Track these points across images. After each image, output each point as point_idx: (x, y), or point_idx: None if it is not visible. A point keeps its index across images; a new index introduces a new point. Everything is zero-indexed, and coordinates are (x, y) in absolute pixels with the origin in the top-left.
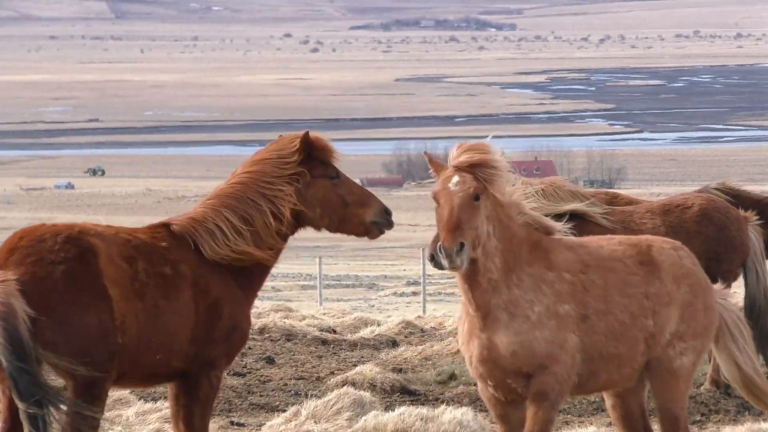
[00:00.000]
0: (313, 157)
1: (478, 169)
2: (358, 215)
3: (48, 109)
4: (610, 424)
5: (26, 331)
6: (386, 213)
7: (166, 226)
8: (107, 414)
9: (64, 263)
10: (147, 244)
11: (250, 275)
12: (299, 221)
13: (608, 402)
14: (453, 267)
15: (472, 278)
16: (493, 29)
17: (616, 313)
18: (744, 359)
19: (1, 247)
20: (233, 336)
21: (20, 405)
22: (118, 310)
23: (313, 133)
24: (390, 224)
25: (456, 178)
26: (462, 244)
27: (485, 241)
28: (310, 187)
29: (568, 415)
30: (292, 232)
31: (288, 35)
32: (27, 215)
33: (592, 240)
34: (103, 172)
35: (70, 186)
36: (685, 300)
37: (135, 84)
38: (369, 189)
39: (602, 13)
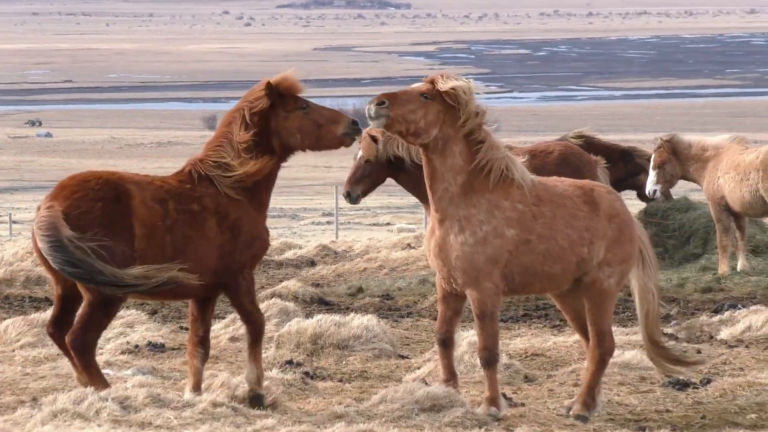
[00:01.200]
0: (282, 95)
1: (445, 84)
2: (331, 132)
3: (31, 72)
4: (536, 328)
5: (69, 243)
6: (353, 124)
7: (188, 171)
8: None
9: (102, 201)
10: (176, 188)
11: (258, 192)
12: (286, 149)
13: (559, 305)
14: (370, 118)
15: (431, 179)
16: (393, 8)
17: (557, 240)
18: (651, 287)
19: (52, 191)
20: (255, 244)
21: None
22: (138, 245)
23: (276, 78)
24: (358, 131)
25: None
26: (384, 102)
27: (445, 154)
28: (287, 120)
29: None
30: (284, 158)
31: (226, 12)
32: (14, 158)
33: (549, 180)
34: (41, 123)
35: (48, 135)
36: (613, 235)
37: (102, 52)
38: None
39: None
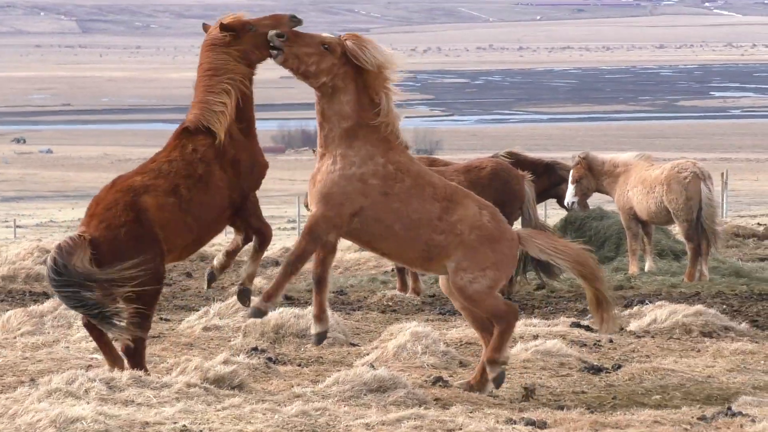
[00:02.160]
0: (232, 27)
1: (352, 42)
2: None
3: (34, 96)
4: (427, 320)
5: (77, 268)
6: (292, 18)
7: (185, 129)
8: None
9: (125, 226)
10: (179, 161)
11: (243, 116)
12: (252, 64)
13: (456, 305)
14: (269, 45)
15: (321, 118)
16: None
17: (410, 210)
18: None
19: (86, 211)
20: (255, 168)
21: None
22: (165, 242)
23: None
24: (299, 21)
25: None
26: (282, 35)
27: (333, 101)
28: (242, 43)
29: (397, 313)
30: (253, 72)
31: None
32: (19, 171)
33: (428, 169)
34: (25, 141)
35: (49, 151)
36: (472, 245)
37: (96, 79)
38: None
39: (426, 32)
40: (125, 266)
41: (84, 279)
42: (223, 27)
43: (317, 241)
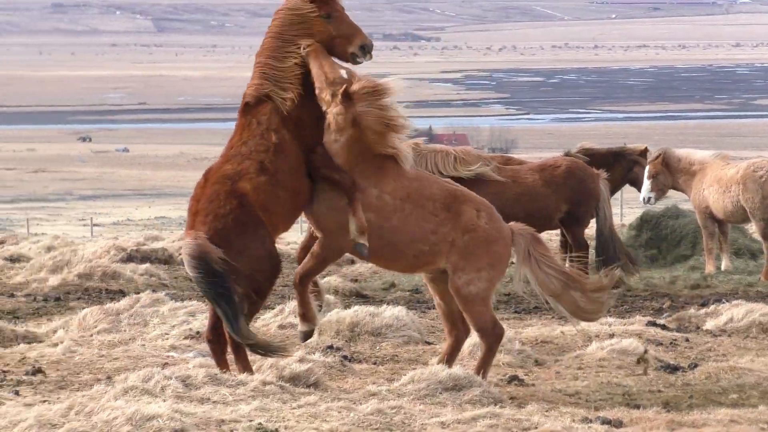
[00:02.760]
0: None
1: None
2: (342, 46)
3: (110, 95)
4: (503, 318)
5: (220, 267)
6: (362, 48)
7: (246, 104)
8: (147, 310)
9: (232, 213)
10: (253, 139)
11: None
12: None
13: (435, 301)
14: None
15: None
16: (424, 41)
17: (404, 232)
18: (544, 277)
19: (188, 212)
20: (319, 122)
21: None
22: (269, 222)
23: None
24: (365, 55)
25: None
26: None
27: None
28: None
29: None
30: None
31: None
32: (97, 170)
33: (430, 179)
34: (91, 139)
35: (125, 150)
36: (467, 247)
37: (171, 78)
38: None
39: (501, 30)
40: (250, 254)
41: (229, 274)
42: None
43: (324, 264)
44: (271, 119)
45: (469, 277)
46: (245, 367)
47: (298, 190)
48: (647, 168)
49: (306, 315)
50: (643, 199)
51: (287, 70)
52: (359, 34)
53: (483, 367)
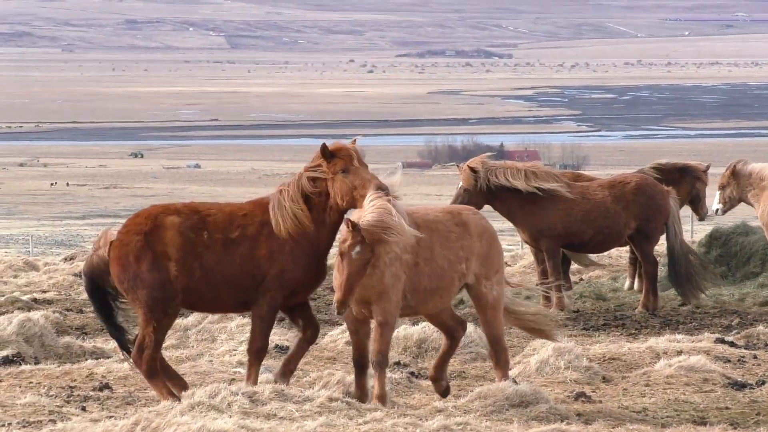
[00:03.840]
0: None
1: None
2: (361, 194)
3: (183, 111)
4: (570, 335)
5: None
6: (378, 189)
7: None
8: (215, 326)
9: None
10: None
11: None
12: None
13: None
14: None
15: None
16: (497, 57)
17: (437, 260)
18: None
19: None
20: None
21: None
22: None
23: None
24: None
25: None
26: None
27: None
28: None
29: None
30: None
31: (352, 61)
32: (168, 186)
33: (421, 209)
34: (143, 155)
35: (197, 166)
36: (483, 250)
37: (243, 94)
38: (406, 170)
39: (573, 47)
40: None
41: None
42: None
43: (392, 328)
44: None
45: (491, 282)
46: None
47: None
48: (720, 179)
49: (383, 398)
50: (711, 210)
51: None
52: (373, 180)
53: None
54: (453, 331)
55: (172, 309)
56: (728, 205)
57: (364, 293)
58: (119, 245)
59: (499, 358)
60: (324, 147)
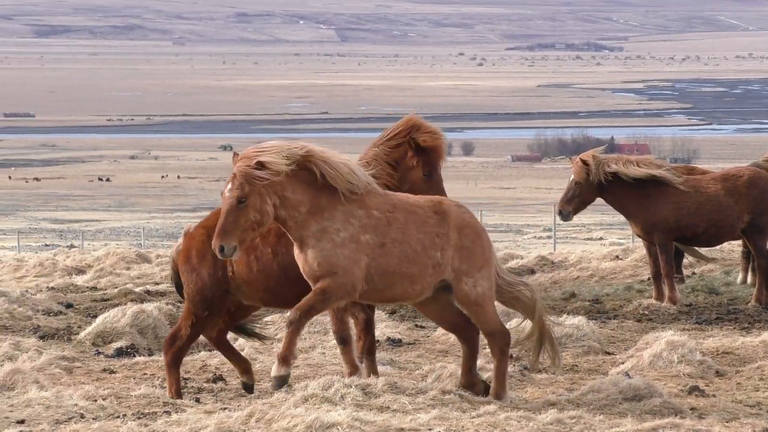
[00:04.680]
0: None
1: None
2: None
3: (292, 104)
4: (683, 329)
5: None
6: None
7: None
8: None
9: None
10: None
11: None
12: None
13: (423, 313)
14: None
15: (281, 224)
16: (607, 50)
17: (410, 243)
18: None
19: None
20: None
21: None
22: None
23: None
24: None
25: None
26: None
27: (285, 206)
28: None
29: (653, 322)
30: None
31: (461, 54)
32: None
33: (401, 194)
34: (232, 148)
35: None
36: (464, 244)
37: (353, 87)
38: (516, 163)
39: (684, 40)
40: None
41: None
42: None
43: (327, 306)
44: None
45: (474, 279)
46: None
47: None
48: None
49: (287, 359)
50: None
51: None
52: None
53: (502, 380)
54: (465, 331)
55: (216, 307)
56: None
57: (307, 269)
58: (188, 238)
59: (494, 349)
60: None
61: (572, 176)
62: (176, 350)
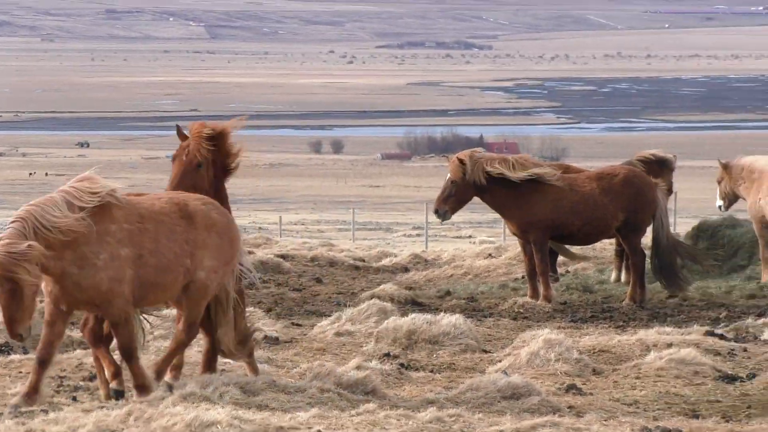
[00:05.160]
0: None
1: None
2: None
3: (162, 101)
4: (559, 327)
5: None
6: None
7: None
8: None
9: None
10: None
11: None
12: None
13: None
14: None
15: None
16: (477, 49)
17: (164, 253)
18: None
19: None
20: None
21: None
22: None
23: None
24: None
25: None
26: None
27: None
28: None
29: (529, 320)
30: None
31: (332, 51)
32: (147, 176)
33: (146, 198)
34: (88, 145)
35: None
36: (214, 242)
37: (223, 84)
38: (386, 161)
39: (553, 39)
40: None
41: None
42: None
43: (129, 326)
44: None
45: (217, 274)
46: None
47: None
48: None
49: (147, 387)
50: (717, 206)
51: None
52: None
53: (169, 361)
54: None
55: None
56: (727, 200)
57: (80, 295)
58: None
59: (181, 338)
60: None
61: (449, 175)
62: None
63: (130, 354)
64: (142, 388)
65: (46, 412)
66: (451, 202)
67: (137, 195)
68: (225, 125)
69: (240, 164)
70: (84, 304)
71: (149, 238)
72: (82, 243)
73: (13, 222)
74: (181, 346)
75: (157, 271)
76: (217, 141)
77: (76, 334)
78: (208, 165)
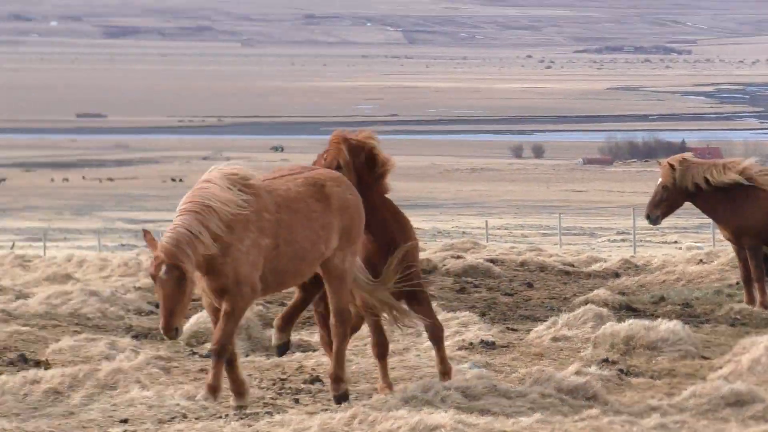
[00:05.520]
0: None
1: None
2: None
3: (361, 106)
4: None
5: None
6: None
7: None
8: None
9: None
10: None
11: None
12: None
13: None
14: None
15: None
16: (676, 53)
17: (299, 241)
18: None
19: None
20: None
21: None
22: None
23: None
24: None
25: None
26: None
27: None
28: None
29: (747, 327)
30: None
31: (529, 56)
32: None
33: (282, 182)
34: (282, 149)
35: None
36: (345, 225)
37: (422, 90)
38: (588, 166)
39: (754, 43)
40: None
41: None
42: None
43: (243, 312)
44: None
45: (344, 253)
46: None
47: None
48: None
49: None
50: None
51: None
52: None
53: (340, 356)
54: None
55: None
56: None
57: (217, 283)
58: None
59: (338, 330)
60: None
61: (660, 180)
62: None
63: (220, 350)
64: (213, 390)
65: (270, 414)
66: (662, 207)
67: (275, 171)
68: (362, 136)
69: (388, 171)
70: (215, 291)
71: (285, 228)
72: (237, 229)
73: (183, 211)
74: (341, 337)
75: (292, 259)
76: (356, 150)
77: (293, 336)
78: (349, 170)
